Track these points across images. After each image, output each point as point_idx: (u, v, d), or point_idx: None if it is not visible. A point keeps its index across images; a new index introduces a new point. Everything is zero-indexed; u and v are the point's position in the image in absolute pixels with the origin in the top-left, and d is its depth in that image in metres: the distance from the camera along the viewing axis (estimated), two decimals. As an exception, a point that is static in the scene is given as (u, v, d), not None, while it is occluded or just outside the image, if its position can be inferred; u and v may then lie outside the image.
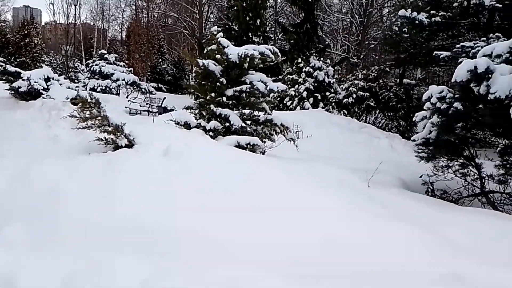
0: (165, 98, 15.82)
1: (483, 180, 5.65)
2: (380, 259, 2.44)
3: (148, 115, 15.87)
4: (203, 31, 30.01)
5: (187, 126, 5.40)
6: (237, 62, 5.37)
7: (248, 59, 5.35)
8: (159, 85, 26.74)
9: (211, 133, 5.28)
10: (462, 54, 10.24)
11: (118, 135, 3.53)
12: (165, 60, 32.94)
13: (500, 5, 10.22)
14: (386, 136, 10.88)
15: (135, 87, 18.68)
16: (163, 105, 15.10)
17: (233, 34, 17.30)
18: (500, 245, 2.99)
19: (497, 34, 9.98)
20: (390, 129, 13.01)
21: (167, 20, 39.67)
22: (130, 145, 3.59)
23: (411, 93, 14.53)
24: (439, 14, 11.40)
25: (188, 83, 31.73)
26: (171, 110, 14.55)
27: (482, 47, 9.31)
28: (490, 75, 4.58)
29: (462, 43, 10.33)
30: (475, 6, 10.62)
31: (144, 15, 38.71)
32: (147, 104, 15.79)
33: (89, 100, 3.46)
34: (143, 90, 17.98)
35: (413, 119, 6.49)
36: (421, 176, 6.13)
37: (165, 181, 3.17)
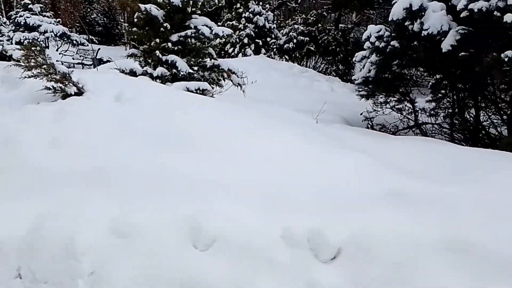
0: (99, 49, 15.07)
1: (417, 113, 6.14)
2: (336, 181, 2.69)
3: (83, 68, 15.13)
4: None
5: (132, 74, 5.29)
6: (180, 6, 5.27)
7: (191, 2, 5.26)
8: (90, 36, 25.24)
9: (158, 80, 5.23)
10: (396, -5, 10.62)
11: (66, 83, 3.43)
12: (94, 10, 30.94)
13: None
14: (327, 80, 11.25)
15: (66, 39, 17.53)
16: (98, 57, 14.41)
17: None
18: (436, 164, 3.34)
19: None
20: (329, 73, 13.41)
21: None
22: (79, 93, 3.52)
23: (348, 37, 14.93)
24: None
25: (121, 33, 30.24)
26: (107, 61, 13.94)
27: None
28: (423, 13, 4.86)
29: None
30: None
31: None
32: (80, 56, 14.98)
33: (33, 48, 3.31)
34: (74, 42, 16.94)
35: (354, 59, 6.79)
36: (361, 113, 6.53)
37: (121, 125, 3.18)
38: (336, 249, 2.19)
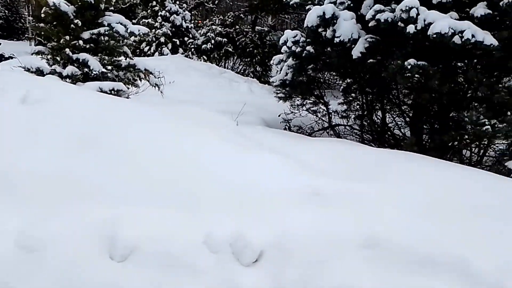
0: (0, 44, 13.81)
1: (330, 115, 6.45)
2: (257, 182, 2.73)
3: (-20, 64, 13.76)
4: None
5: (39, 72, 4.92)
6: (93, 2, 5.00)
7: (104, -2, 5.02)
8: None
9: (68, 80, 4.92)
10: (309, 1, 11.05)
11: (-38, 82, 3.10)
12: (-7, 1, 28.25)
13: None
14: (245, 81, 11.37)
15: (-41, 31, 15.77)
16: (-2, 52, 13.19)
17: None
18: (347, 164, 3.52)
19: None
20: (248, 74, 13.58)
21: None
22: (-23, 93, 3.19)
23: (265, 39, 15.26)
24: (289, -39, 11.95)
25: (25, 27, 27.96)
26: (10, 58, 12.83)
27: (326, -5, 10.20)
28: (335, 21, 5.11)
29: (309, -9, 11.11)
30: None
31: None
32: (-23, 51, 13.58)
33: None
34: (-30, 35, 15.31)
35: (271, 62, 6.94)
36: (279, 115, 6.71)
37: (27, 129, 2.94)
38: (258, 252, 2.22)
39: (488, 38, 4.05)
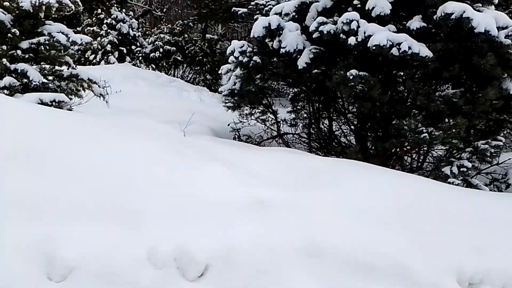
0: None
1: (279, 124, 6.55)
2: (202, 193, 2.72)
3: None
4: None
5: (-27, 84, 4.66)
6: (31, 10, 4.80)
7: (44, 7, 4.83)
8: None
9: (6, 91, 4.68)
10: (257, 11, 11.20)
11: None
12: None
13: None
14: (195, 90, 11.31)
15: None
16: None
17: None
18: (294, 173, 3.58)
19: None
20: (198, 83, 13.53)
21: None
22: None
23: (215, 47, 15.29)
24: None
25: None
26: None
27: (273, 5, 10.38)
28: (281, 32, 5.21)
29: (256, 1, 11.26)
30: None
31: None
32: None
33: None
34: None
35: (219, 71, 6.97)
36: (228, 124, 6.72)
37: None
38: (203, 266, 2.21)
39: (423, 50, 4.28)
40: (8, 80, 4.66)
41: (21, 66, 4.74)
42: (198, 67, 13.83)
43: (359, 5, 4.58)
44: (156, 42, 13.15)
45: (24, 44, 4.88)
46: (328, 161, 4.06)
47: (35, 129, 3.08)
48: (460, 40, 4.48)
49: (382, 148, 4.72)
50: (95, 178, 2.68)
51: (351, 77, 4.34)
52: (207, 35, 17.34)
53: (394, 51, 4.16)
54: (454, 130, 4.33)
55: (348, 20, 4.34)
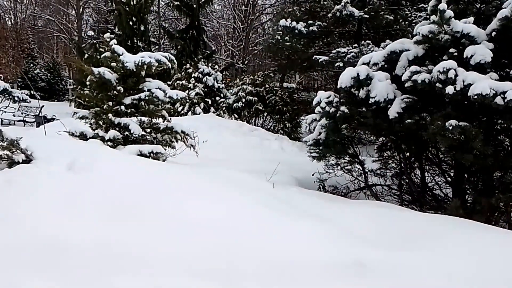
0: (43, 106, 14.52)
1: (366, 174, 6.33)
2: (290, 254, 2.65)
3: (24, 125, 14.46)
4: (82, 34, 28.21)
5: (83, 137, 5.10)
6: (134, 70, 5.23)
7: (145, 67, 5.25)
8: (32, 92, 24.43)
9: (109, 143, 5.06)
10: (338, 59, 11.30)
11: (14, 150, 3.22)
12: (38, 65, 30.15)
13: (367, 16, 11.49)
14: (276, 138, 11.44)
15: (6, 95, 16.75)
16: (41, 114, 13.88)
17: (117, 39, 16.60)
18: (389, 230, 3.38)
19: (367, 41, 11.19)
20: (277, 131, 13.69)
21: (36, 21, 36.45)
22: (27, 160, 3.30)
23: (294, 96, 15.52)
24: (316, 23, 12.39)
25: (66, 89, 29.49)
26: (52, 119, 13.45)
27: (355, 53, 10.41)
28: (370, 81, 5.15)
29: (337, 49, 11.38)
30: (346, 16, 11.77)
31: (10, 16, 34.92)
32: (22, 113, 14.35)
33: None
34: (16, 98, 16.23)
35: (304, 121, 7.00)
36: (313, 174, 6.63)
37: (72, 197, 2.99)
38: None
39: (531, 98, 3.95)
40: (112, 133, 5.05)
41: (124, 120, 5.13)
42: (278, 116, 14.05)
43: (455, 53, 4.39)
44: (239, 93, 13.65)
45: (127, 100, 5.29)
46: (425, 217, 3.78)
47: (139, 183, 3.25)
48: None
49: (487, 203, 4.33)
50: (193, 232, 2.74)
51: (450, 128, 4.11)
52: (285, 83, 17.74)
53: (499, 100, 3.89)
54: None
55: (445, 69, 4.16)
